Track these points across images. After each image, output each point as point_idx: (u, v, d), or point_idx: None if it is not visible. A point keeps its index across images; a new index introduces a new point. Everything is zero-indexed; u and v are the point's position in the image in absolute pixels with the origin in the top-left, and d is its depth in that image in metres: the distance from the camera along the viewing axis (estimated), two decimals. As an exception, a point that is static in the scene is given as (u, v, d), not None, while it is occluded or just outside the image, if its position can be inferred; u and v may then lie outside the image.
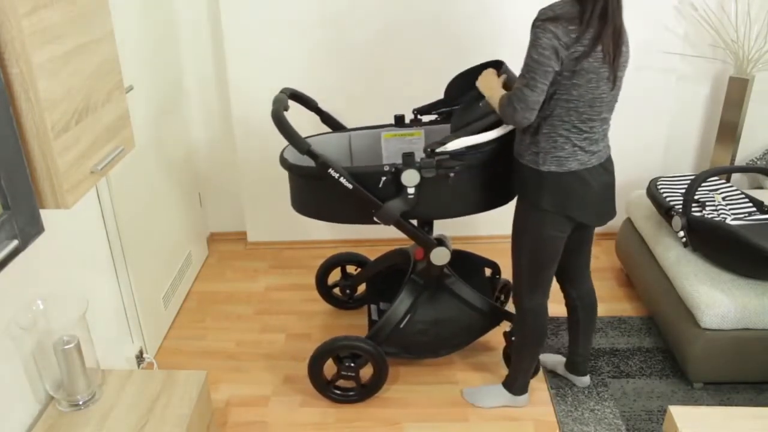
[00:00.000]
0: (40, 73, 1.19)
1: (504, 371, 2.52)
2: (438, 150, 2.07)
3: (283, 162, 2.24)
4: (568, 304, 2.36)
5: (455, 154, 2.10)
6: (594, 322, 2.37)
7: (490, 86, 2.05)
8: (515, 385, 2.37)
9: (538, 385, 2.51)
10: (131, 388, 1.79)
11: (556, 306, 2.48)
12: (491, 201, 2.24)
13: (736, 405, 2.40)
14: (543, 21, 1.77)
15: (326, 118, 2.55)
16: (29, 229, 1.22)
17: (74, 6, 1.31)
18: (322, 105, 2.54)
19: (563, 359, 2.54)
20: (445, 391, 2.51)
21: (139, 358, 2.44)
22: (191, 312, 3.02)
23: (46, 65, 1.21)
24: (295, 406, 2.45)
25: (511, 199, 2.30)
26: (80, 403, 1.72)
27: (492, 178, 2.19)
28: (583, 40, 1.77)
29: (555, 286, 2.29)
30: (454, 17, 3.02)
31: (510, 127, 2.09)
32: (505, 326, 2.52)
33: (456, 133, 2.10)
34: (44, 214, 1.33)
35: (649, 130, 3.30)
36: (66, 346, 1.64)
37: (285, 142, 3.18)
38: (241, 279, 3.27)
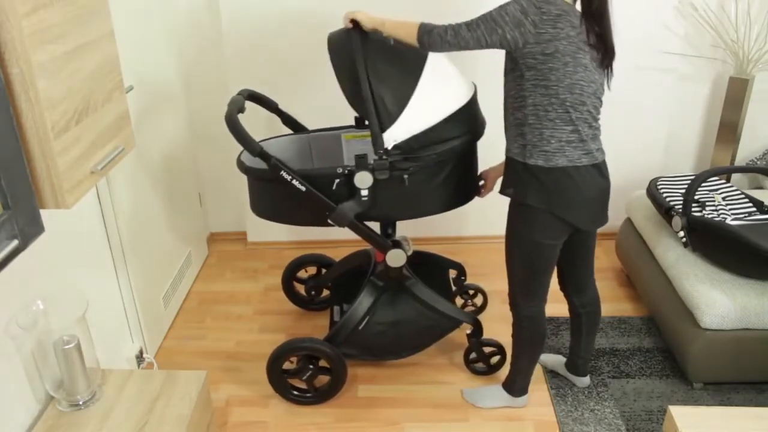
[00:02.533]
0: (40, 73, 1.19)
1: (505, 370, 2.52)
2: (388, 146, 2.01)
3: (240, 165, 2.23)
4: (571, 311, 2.35)
5: (409, 156, 2.05)
6: (597, 326, 2.37)
7: (383, 18, 1.96)
8: (514, 386, 2.37)
9: (538, 385, 2.51)
10: (131, 388, 1.79)
11: (557, 306, 2.48)
12: (449, 201, 2.20)
13: (736, 405, 2.40)
14: None
15: (286, 120, 2.54)
16: (29, 229, 1.22)
17: (74, 6, 1.31)
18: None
19: (563, 359, 2.54)
20: (445, 391, 2.51)
21: (139, 358, 2.44)
22: (191, 312, 3.02)
23: (46, 65, 1.21)
24: (295, 406, 2.45)
25: (470, 199, 2.26)
26: (80, 403, 1.72)
27: (449, 178, 2.14)
28: (558, 24, 1.76)
29: (554, 286, 2.29)
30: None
31: (459, 104, 2.04)
32: (467, 328, 2.51)
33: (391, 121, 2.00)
34: (44, 214, 1.33)
35: (649, 130, 3.30)
36: (66, 346, 1.64)
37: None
38: (241, 279, 3.27)
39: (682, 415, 1.68)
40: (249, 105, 3.17)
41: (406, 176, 2.06)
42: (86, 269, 2.10)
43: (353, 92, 2.01)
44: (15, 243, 1.16)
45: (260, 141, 2.43)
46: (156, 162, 2.76)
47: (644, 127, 3.28)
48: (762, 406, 2.28)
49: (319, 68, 3.11)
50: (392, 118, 2.00)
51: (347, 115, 3.01)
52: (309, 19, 3.01)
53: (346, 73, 2.02)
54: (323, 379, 2.42)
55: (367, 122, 2.49)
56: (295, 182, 2.08)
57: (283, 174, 2.07)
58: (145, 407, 1.73)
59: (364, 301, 2.37)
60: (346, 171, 2.08)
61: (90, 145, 1.40)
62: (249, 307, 3.05)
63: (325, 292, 2.99)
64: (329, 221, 2.14)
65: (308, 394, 2.43)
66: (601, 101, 1.91)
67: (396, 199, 2.13)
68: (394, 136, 2.01)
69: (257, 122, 3.20)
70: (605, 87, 1.92)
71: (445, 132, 2.06)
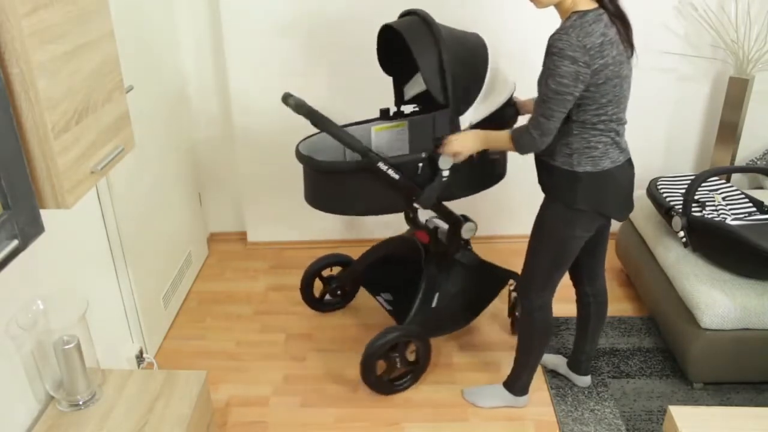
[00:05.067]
0: (40, 73, 1.19)
1: (505, 370, 2.52)
2: (464, 128, 2.16)
3: (318, 165, 2.23)
4: (581, 301, 2.37)
5: None
6: (603, 321, 2.39)
7: (483, 139, 2.08)
8: (517, 384, 2.37)
9: (538, 385, 2.51)
10: (131, 388, 1.79)
11: (558, 306, 2.47)
12: (493, 178, 2.40)
13: (736, 405, 2.40)
14: (560, 48, 1.75)
15: None
16: (29, 229, 1.21)
17: (74, 6, 1.31)
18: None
19: (564, 359, 2.54)
20: (445, 391, 2.51)
21: (139, 358, 2.44)
22: (191, 312, 3.02)
23: (46, 65, 1.21)
24: (295, 406, 2.45)
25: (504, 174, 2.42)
26: (80, 403, 1.72)
27: (490, 156, 2.34)
28: (604, 51, 1.77)
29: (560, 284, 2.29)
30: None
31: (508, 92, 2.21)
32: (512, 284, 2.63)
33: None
34: (44, 214, 1.33)
35: (649, 130, 3.30)
36: (66, 346, 1.64)
37: (281, 142, 3.19)
38: (241, 279, 3.27)
39: (682, 415, 1.68)
40: (257, 104, 3.18)
41: (475, 154, 2.19)
42: (86, 269, 2.10)
43: (436, 78, 2.14)
44: (15, 243, 1.16)
45: (306, 138, 2.47)
46: (156, 162, 2.76)
47: (644, 127, 3.28)
48: (762, 406, 2.28)
49: (319, 67, 3.11)
50: (469, 103, 2.16)
51: (347, 113, 3.01)
52: (310, 19, 3.01)
53: (429, 60, 2.13)
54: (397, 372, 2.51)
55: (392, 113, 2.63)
56: (390, 172, 2.18)
57: (381, 165, 2.16)
58: (145, 407, 1.73)
59: (428, 282, 2.50)
60: (429, 155, 2.20)
61: (90, 145, 1.40)
62: (249, 307, 3.05)
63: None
64: (415, 204, 2.27)
65: (405, 379, 2.52)
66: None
67: (465, 178, 2.29)
68: (470, 119, 2.16)
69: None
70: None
71: (498, 117, 2.23)
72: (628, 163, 2.02)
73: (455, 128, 2.15)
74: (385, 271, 2.76)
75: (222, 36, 3.06)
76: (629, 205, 2.10)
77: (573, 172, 1.96)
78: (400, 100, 2.50)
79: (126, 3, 2.43)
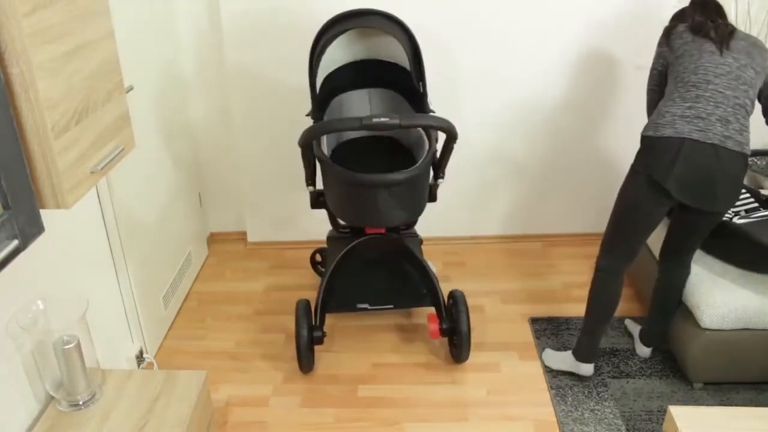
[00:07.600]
0: (40, 73, 1.19)
1: (505, 370, 2.52)
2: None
3: (416, 172, 2.23)
4: (657, 279, 2.49)
5: None
6: (673, 305, 2.46)
7: None
8: (578, 349, 2.47)
9: (539, 385, 2.51)
10: (131, 388, 1.80)
11: (558, 305, 2.48)
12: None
13: (736, 405, 2.40)
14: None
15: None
16: (29, 229, 1.22)
17: (74, 6, 1.31)
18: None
19: (638, 327, 2.67)
20: (445, 391, 2.51)
21: (139, 358, 2.44)
22: (191, 312, 3.02)
23: (46, 65, 1.21)
24: (295, 406, 2.45)
25: None
26: (80, 403, 1.72)
27: None
28: (684, 35, 2.14)
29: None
30: (438, 24, 3.02)
31: None
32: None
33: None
34: (44, 214, 1.33)
35: (649, 130, 3.29)
36: (66, 346, 1.64)
37: (282, 142, 3.19)
38: (241, 279, 3.27)
39: (682, 415, 1.68)
40: (257, 104, 3.18)
41: None
42: (86, 269, 2.10)
43: (417, 68, 2.46)
44: (15, 243, 1.16)
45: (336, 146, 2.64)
46: (156, 162, 2.76)
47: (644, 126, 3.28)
48: (762, 406, 2.28)
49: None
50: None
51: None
52: (310, 17, 3.01)
53: (406, 45, 2.39)
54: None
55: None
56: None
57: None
58: (145, 407, 1.73)
59: (421, 260, 2.65)
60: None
61: (90, 145, 1.40)
62: (249, 307, 3.05)
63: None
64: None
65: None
66: (746, 86, 2.04)
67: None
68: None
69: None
70: (750, 71, 2.06)
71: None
72: (712, 148, 2.01)
73: (430, 111, 2.42)
74: (349, 282, 2.76)
75: (222, 36, 3.06)
76: (693, 189, 2.05)
77: (641, 138, 2.15)
78: (314, 92, 2.53)
79: (126, 3, 2.43)
